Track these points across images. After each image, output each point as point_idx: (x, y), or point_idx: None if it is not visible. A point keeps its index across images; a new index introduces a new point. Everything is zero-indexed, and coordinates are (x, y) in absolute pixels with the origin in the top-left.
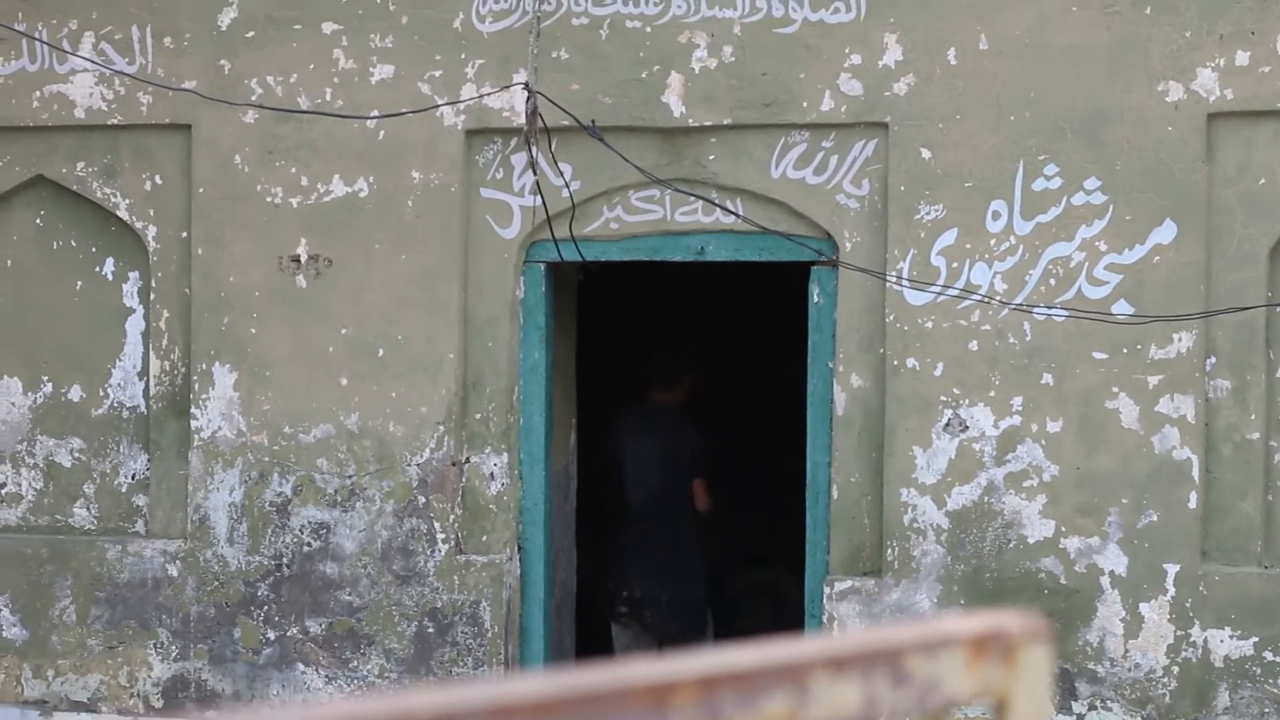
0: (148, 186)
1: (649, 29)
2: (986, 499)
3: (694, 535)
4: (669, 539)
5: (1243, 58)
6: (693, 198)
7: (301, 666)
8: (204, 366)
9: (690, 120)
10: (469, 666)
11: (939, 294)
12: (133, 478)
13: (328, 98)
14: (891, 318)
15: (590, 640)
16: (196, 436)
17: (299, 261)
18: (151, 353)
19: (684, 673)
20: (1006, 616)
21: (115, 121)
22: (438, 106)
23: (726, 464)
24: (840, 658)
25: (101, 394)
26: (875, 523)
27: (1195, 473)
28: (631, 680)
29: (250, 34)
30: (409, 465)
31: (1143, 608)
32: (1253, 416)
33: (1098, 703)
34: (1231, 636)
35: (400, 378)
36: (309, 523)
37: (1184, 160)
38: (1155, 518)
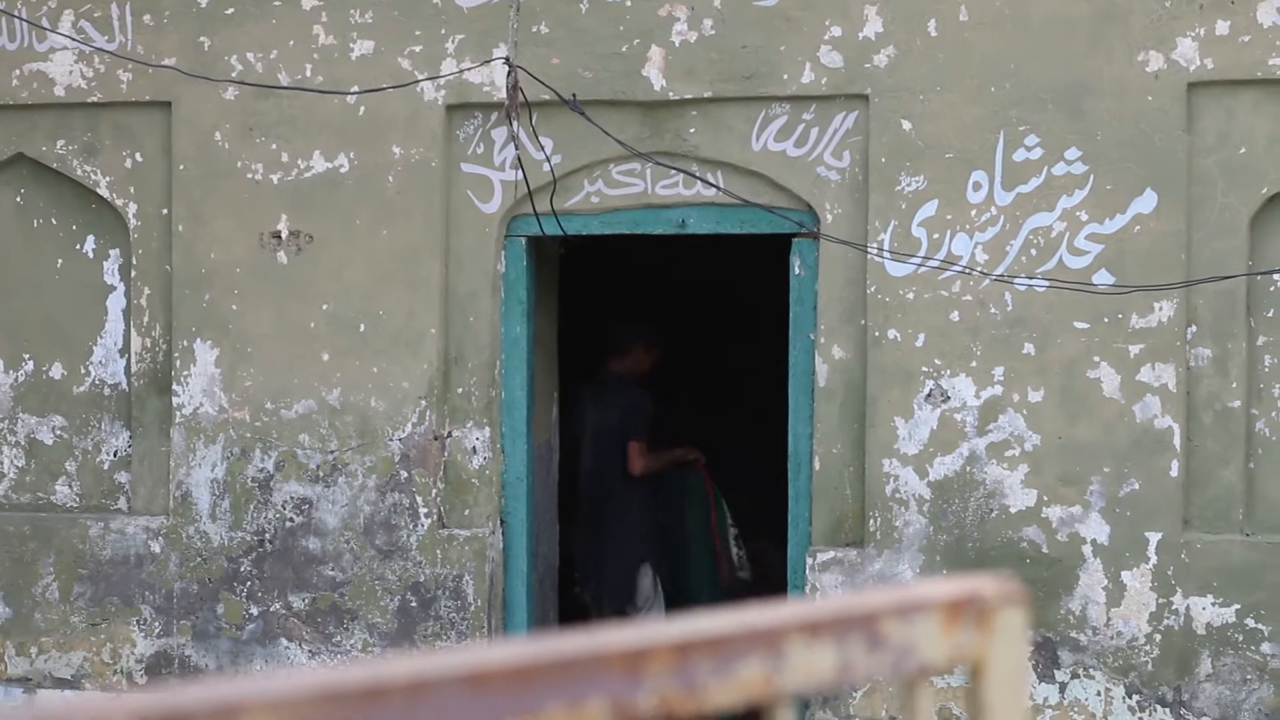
0: (128, 164)
1: (629, 2)
2: (968, 469)
3: (630, 502)
4: (607, 508)
5: (1223, 27)
6: (673, 171)
7: (285, 641)
8: (185, 343)
9: (671, 93)
10: (452, 640)
11: (920, 265)
12: (115, 455)
13: (308, 74)
14: (873, 289)
15: (574, 613)
16: (178, 413)
17: (280, 238)
18: (133, 330)
19: (658, 639)
20: (982, 581)
21: (95, 99)
22: (418, 82)
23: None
24: (815, 623)
25: (83, 371)
26: (857, 493)
27: (1177, 441)
28: (605, 647)
29: (230, 10)
30: (391, 440)
31: (1125, 576)
32: (1234, 385)
33: (1080, 671)
34: (1213, 604)
35: (382, 353)
36: (291, 498)
37: (1164, 130)
38: (1137, 486)
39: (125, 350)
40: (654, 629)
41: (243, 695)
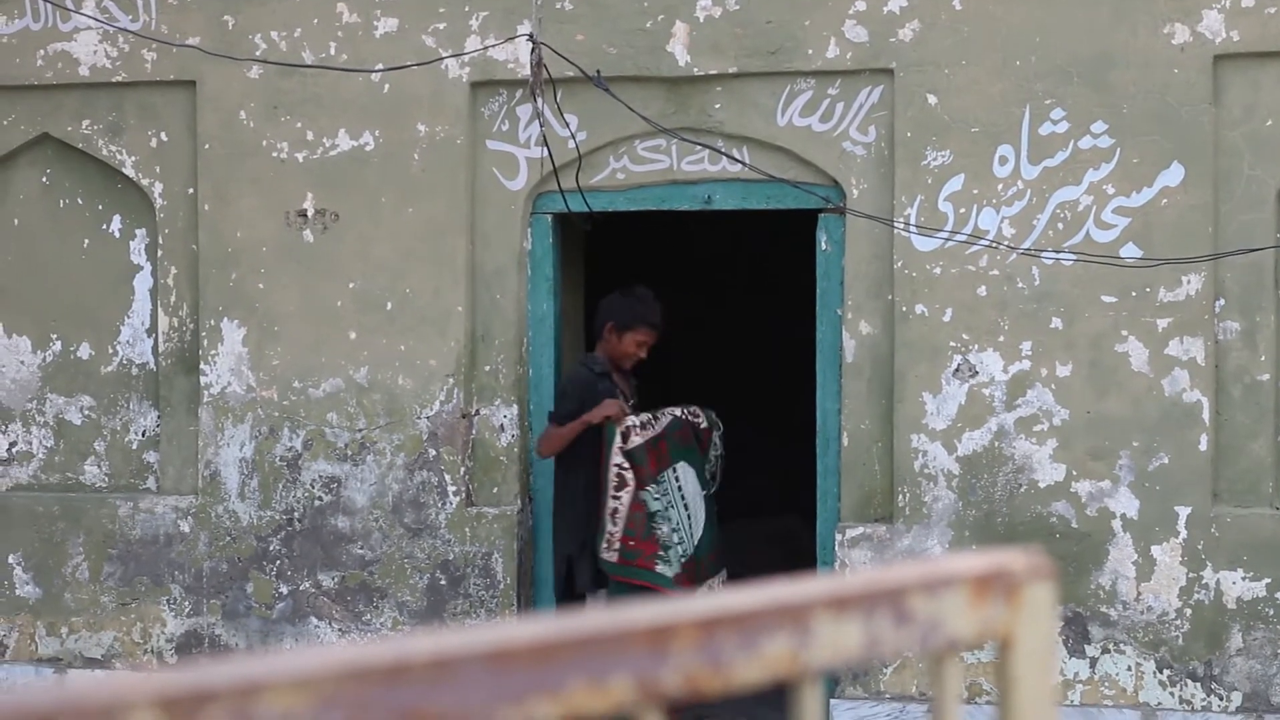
0: (153, 143)
1: None
2: (997, 444)
3: (566, 489)
4: (556, 497)
5: None
6: (699, 147)
7: (314, 620)
8: (212, 322)
9: (695, 69)
10: (481, 617)
11: (947, 240)
12: (143, 434)
13: (332, 52)
14: (900, 264)
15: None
16: (206, 392)
17: (306, 216)
18: (160, 309)
19: (684, 615)
20: (1009, 555)
21: (120, 79)
22: (442, 59)
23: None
24: (842, 598)
25: (111, 351)
26: (886, 469)
27: (1206, 415)
28: (630, 624)
29: None
30: (419, 418)
31: (1154, 550)
32: (1262, 358)
33: (1110, 646)
34: (1243, 578)
35: (409, 331)
36: (320, 477)
37: (1191, 102)
38: (1166, 460)
39: (153, 330)
40: (679, 605)
41: (266, 673)
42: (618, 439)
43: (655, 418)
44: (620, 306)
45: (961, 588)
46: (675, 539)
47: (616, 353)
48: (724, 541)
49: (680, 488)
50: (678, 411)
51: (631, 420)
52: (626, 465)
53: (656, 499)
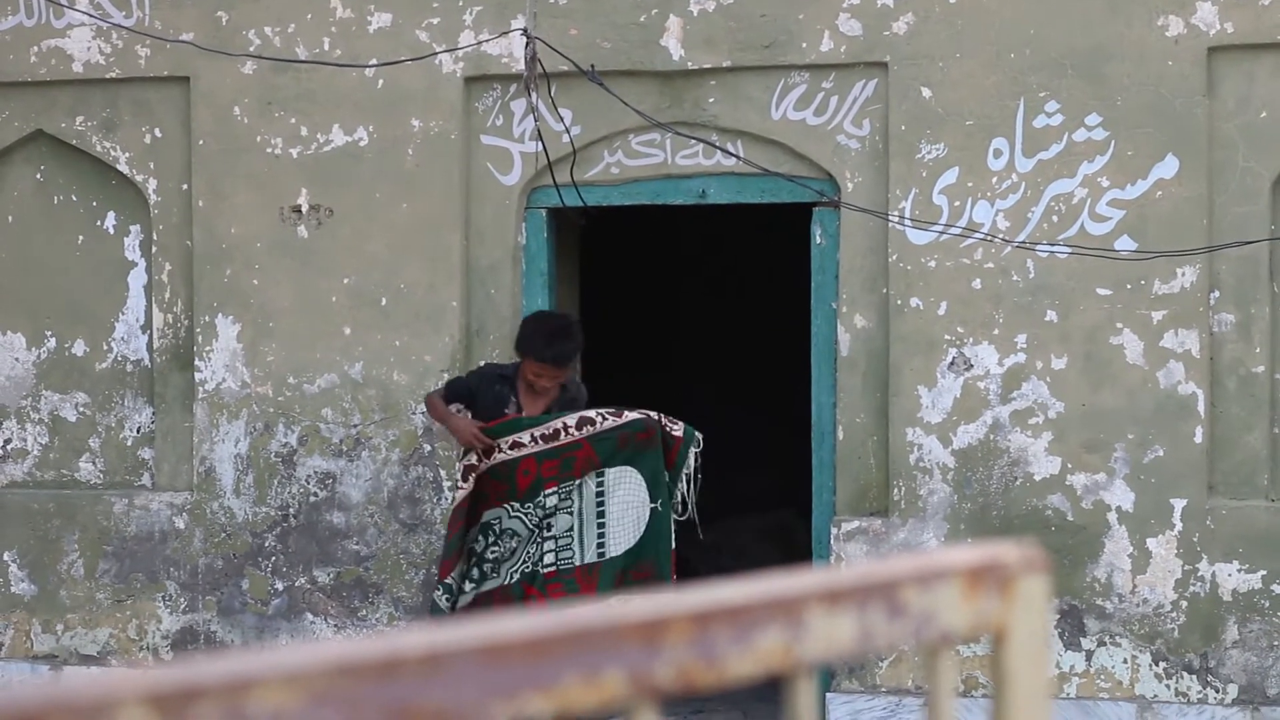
0: (147, 139)
1: None
2: (992, 437)
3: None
4: None
5: None
6: (693, 141)
7: (310, 616)
8: (207, 319)
9: (689, 63)
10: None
11: (941, 233)
12: (138, 431)
13: (326, 47)
14: (894, 257)
15: None
16: (201, 389)
17: (300, 212)
18: (154, 306)
19: (677, 609)
20: (1003, 548)
21: (114, 75)
22: (436, 54)
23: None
24: (835, 591)
25: (105, 348)
26: (881, 463)
27: (1201, 407)
28: (622, 618)
29: None
30: (414, 414)
31: (1150, 543)
32: (1257, 350)
33: (1106, 638)
34: (1239, 570)
35: (403, 326)
36: (315, 473)
37: (1185, 95)
38: (1161, 453)
39: (147, 326)
40: (672, 599)
41: (256, 669)
42: (459, 467)
43: (559, 429)
44: (521, 329)
45: (955, 581)
46: (502, 552)
47: (527, 375)
48: (674, 558)
49: (600, 493)
50: (651, 415)
51: (471, 460)
52: (462, 485)
53: (499, 518)
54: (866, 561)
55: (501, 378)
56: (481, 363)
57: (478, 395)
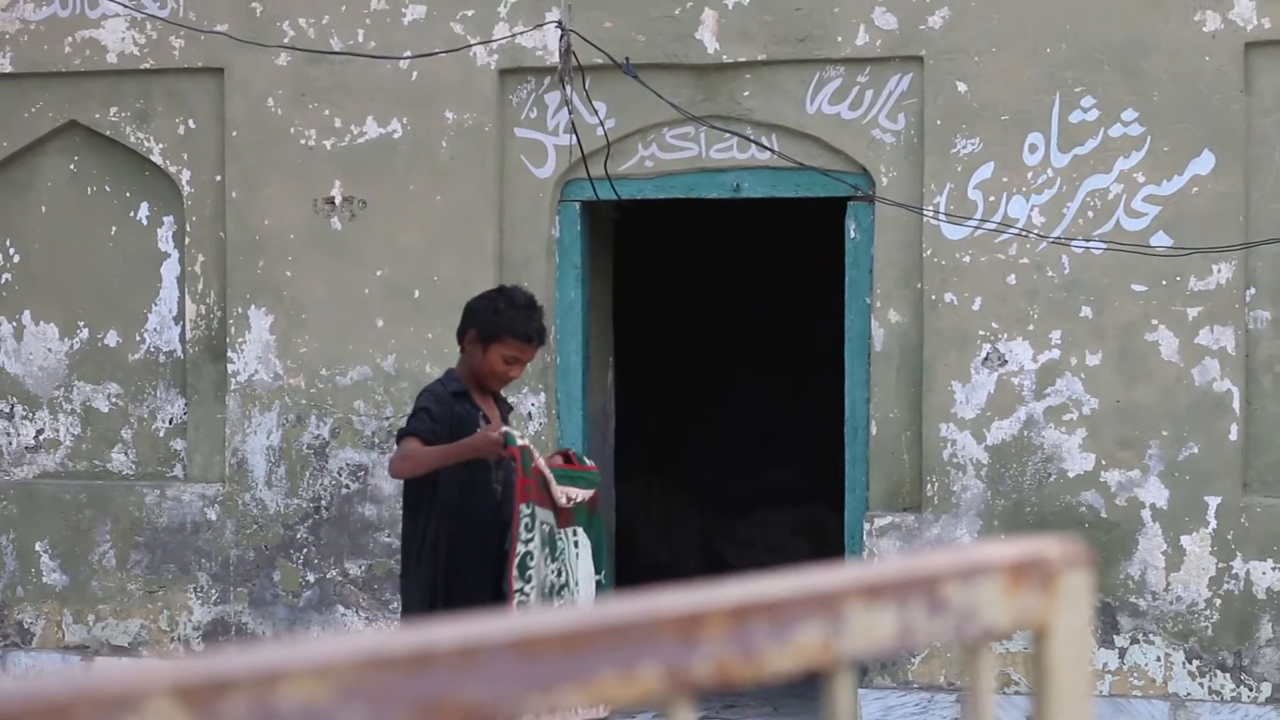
0: (181, 131)
1: None
2: (1026, 433)
3: (414, 523)
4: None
5: None
6: (728, 134)
7: (341, 609)
8: (240, 310)
9: (724, 56)
10: None
11: (976, 228)
12: (170, 422)
13: (360, 39)
14: (929, 252)
15: (631, 577)
16: (233, 380)
17: (333, 204)
18: (187, 297)
19: (715, 603)
20: (1045, 542)
21: (147, 66)
22: (470, 46)
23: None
24: (875, 586)
25: (138, 339)
26: (915, 458)
27: (1236, 404)
28: (659, 612)
29: None
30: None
31: (1184, 540)
32: None
33: (1139, 636)
34: (1274, 568)
35: (436, 319)
36: (347, 465)
37: (1222, 90)
38: (1196, 450)
39: (180, 317)
40: (710, 593)
41: (285, 661)
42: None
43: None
44: (482, 311)
45: (997, 576)
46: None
47: (481, 369)
48: None
49: (578, 555)
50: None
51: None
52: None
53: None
54: (903, 556)
55: (455, 395)
56: (420, 394)
57: (449, 426)
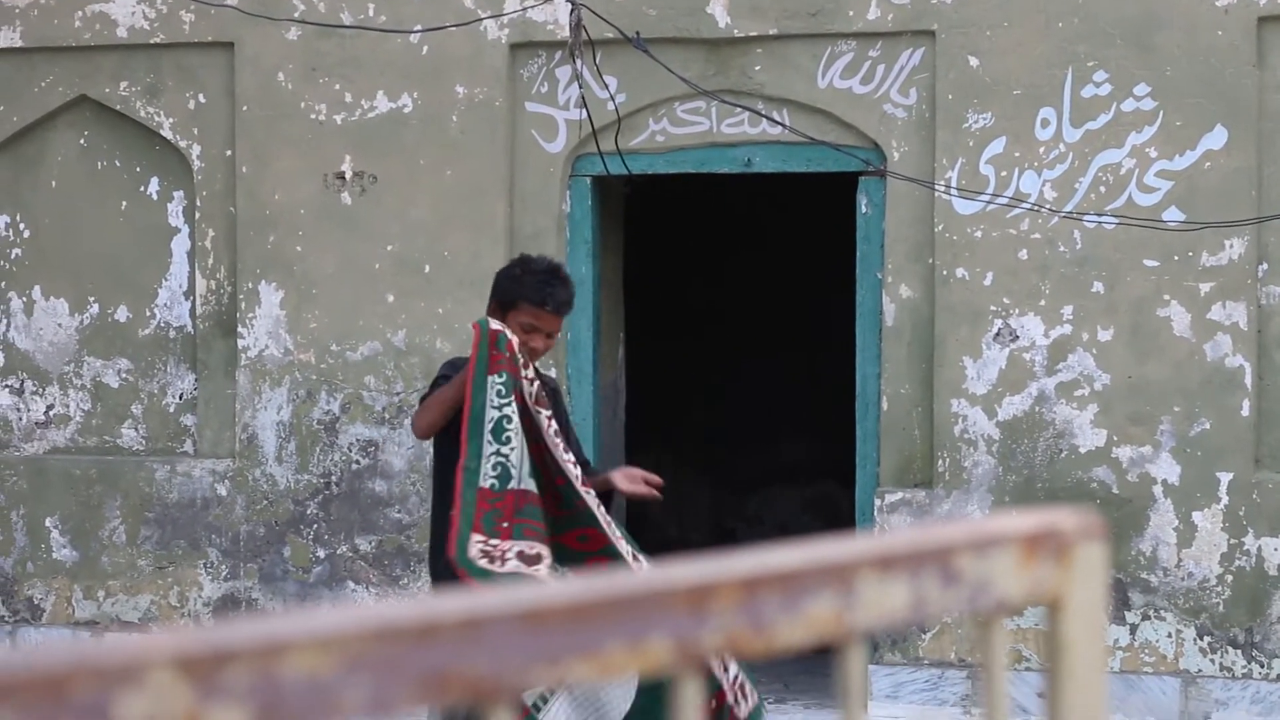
0: (191, 105)
1: None
2: (1037, 409)
3: (441, 488)
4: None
5: None
6: (739, 109)
7: (352, 584)
8: (250, 285)
9: (735, 31)
10: None
11: (988, 203)
12: (180, 397)
13: (370, 13)
14: (940, 227)
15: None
16: (244, 355)
17: (344, 178)
18: (197, 272)
19: (725, 574)
20: (1060, 515)
21: (158, 40)
22: (481, 20)
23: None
24: (888, 558)
25: (148, 314)
26: (926, 434)
27: (1248, 380)
28: (668, 583)
29: None
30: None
31: (1196, 516)
32: None
33: (1151, 612)
34: None
35: (447, 294)
36: (357, 440)
37: (1234, 65)
38: (1208, 426)
39: (190, 293)
40: (720, 564)
41: (289, 632)
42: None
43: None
44: (502, 278)
45: (1011, 548)
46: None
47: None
48: None
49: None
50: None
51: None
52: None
53: None
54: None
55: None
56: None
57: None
